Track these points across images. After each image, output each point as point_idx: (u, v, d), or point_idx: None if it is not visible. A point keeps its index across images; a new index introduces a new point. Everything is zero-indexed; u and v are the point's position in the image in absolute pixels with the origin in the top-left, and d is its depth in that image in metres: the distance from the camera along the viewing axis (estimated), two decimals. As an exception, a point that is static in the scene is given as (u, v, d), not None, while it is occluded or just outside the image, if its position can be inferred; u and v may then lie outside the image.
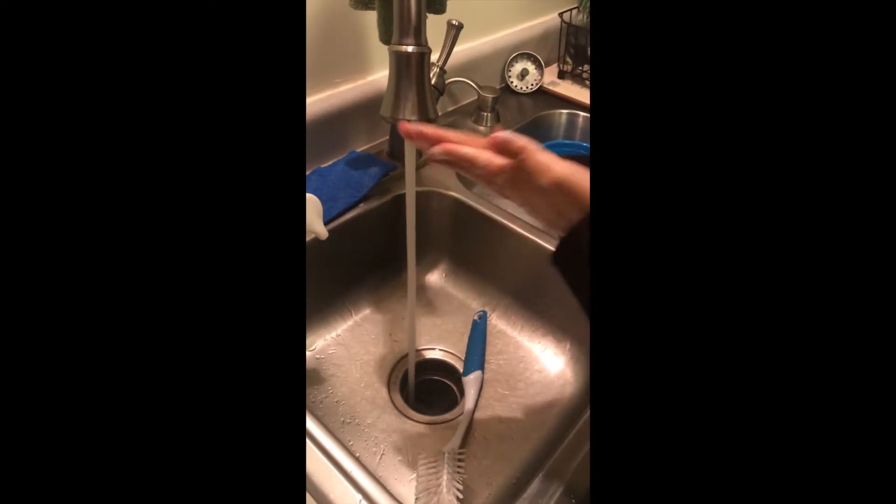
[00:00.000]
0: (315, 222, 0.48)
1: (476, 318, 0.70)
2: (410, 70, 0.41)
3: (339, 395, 0.61)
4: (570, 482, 0.41)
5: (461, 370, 0.64)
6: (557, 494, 0.40)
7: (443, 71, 0.71)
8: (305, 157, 0.68)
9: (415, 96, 0.41)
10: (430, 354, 0.67)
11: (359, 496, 0.38)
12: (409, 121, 0.41)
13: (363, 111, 0.72)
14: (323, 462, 0.39)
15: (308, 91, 0.68)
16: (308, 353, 0.65)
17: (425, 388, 0.65)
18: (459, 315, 0.72)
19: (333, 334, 0.68)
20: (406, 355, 0.65)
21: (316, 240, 0.61)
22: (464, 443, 0.55)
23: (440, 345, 0.68)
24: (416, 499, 0.50)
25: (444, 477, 0.50)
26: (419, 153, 0.76)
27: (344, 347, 0.66)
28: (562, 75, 1.01)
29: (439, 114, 0.88)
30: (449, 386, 0.66)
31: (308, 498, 0.38)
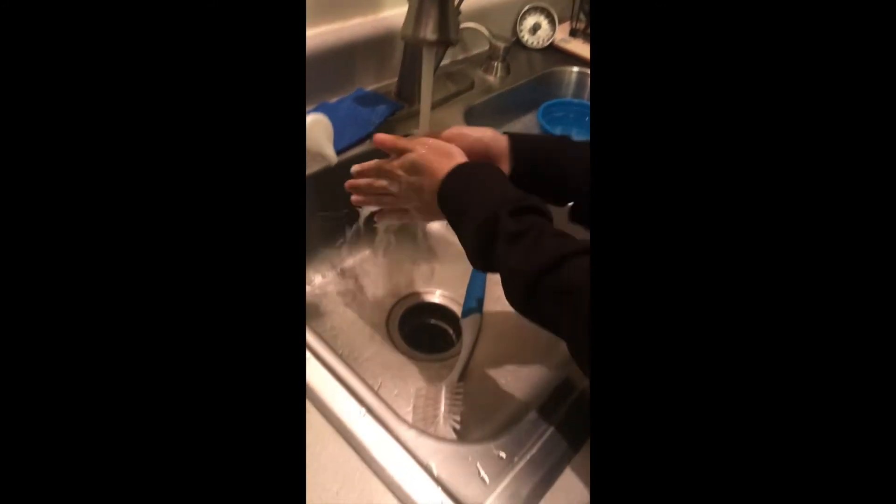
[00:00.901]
0: (325, 146, 0.47)
1: (477, 265, 0.70)
2: (434, -15, 0.40)
3: (338, 330, 0.61)
4: (562, 419, 0.41)
5: (460, 315, 0.64)
6: (550, 431, 0.41)
7: (457, 11, 0.69)
8: (305, 82, 0.66)
9: (437, 14, 0.40)
10: (429, 298, 0.67)
11: (363, 409, 0.38)
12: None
13: (373, 49, 0.70)
14: (326, 376, 0.39)
15: (315, 22, 0.65)
16: (307, 289, 0.65)
17: (424, 330, 0.65)
18: (460, 262, 0.71)
19: (333, 272, 0.67)
20: (405, 297, 0.65)
21: (322, 174, 0.60)
22: (461, 378, 0.56)
23: (440, 289, 0.68)
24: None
25: (442, 408, 0.50)
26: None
27: (343, 285, 0.66)
28: (574, 33, 1.00)
29: (449, 61, 0.86)
30: (447, 330, 0.67)
31: (312, 409, 0.38)
